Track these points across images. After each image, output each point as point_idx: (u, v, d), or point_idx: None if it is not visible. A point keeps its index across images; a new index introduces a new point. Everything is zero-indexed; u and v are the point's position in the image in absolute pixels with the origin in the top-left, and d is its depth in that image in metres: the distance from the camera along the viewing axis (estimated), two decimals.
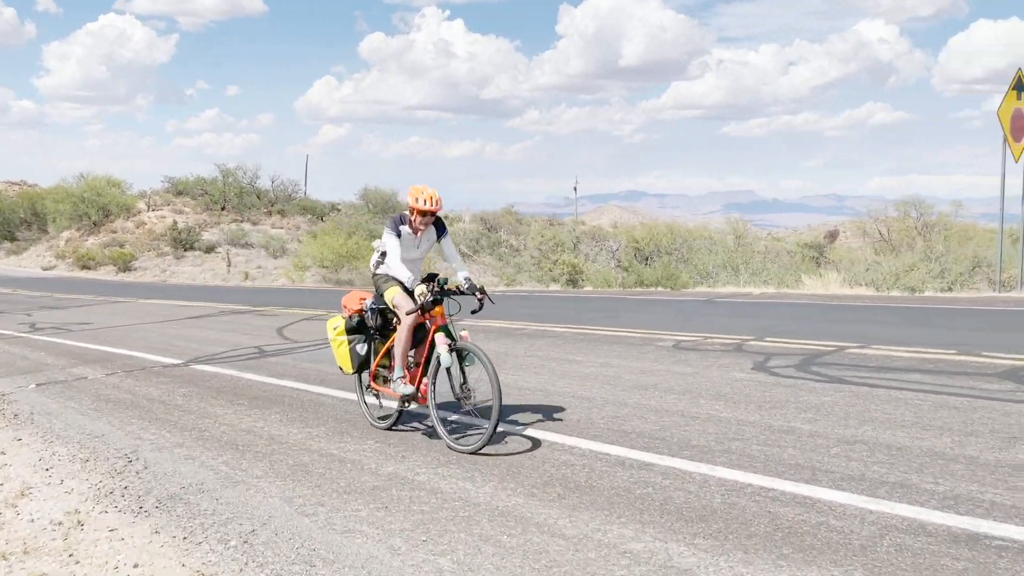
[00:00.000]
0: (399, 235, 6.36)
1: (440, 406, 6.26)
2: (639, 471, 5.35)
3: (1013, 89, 15.82)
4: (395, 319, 6.48)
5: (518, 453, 5.88)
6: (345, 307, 6.85)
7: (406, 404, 6.52)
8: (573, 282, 22.97)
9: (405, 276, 6.20)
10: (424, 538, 4.42)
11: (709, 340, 10.68)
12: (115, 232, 46.38)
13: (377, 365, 6.72)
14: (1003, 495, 4.61)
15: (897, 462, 5.28)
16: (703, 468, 5.34)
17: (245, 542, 4.50)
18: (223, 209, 49.82)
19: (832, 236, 45.67)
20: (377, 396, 6.89)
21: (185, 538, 4.61)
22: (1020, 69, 15.94)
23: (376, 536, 4.48)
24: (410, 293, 6.30)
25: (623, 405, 7.24)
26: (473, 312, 6.23)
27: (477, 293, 6.21)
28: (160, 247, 42.87)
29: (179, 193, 52.70)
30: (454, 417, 6.51)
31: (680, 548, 4.12)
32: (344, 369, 6.83)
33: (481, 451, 5.86)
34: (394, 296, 6.36)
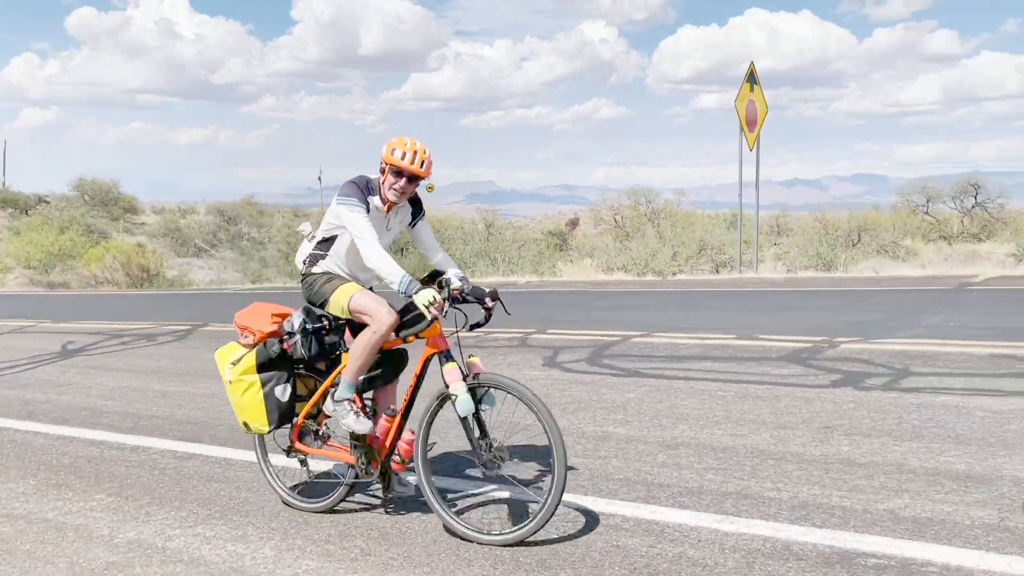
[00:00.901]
0: (368, 209, 4.22)
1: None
2: None
3: (747, 82, 16.84)
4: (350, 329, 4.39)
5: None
6: (245, 329, 4.42)
7: (364, 471, 4.39)
8: None
9: (397, 274, 4.00)
10: None
11: (491, 334, 10.02)
12: None
13: (305, 416, 4.50)
14: (848, 497, 4.29)
15: (728, 467, 4.86)
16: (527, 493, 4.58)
17: None
18: None
19: (573, 224, 47.68)
20: (304, 461, 4.65)
21: None
22: (751, 63, 17.04)
23: None
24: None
25: (411, 419, 6.32)
26: (476, 326, 4.22)
27: (486, 299, 4.23)
28: None
29: None
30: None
31: None
32: (252, 426, 4.43)
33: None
34: (351, 297, 4.20)
